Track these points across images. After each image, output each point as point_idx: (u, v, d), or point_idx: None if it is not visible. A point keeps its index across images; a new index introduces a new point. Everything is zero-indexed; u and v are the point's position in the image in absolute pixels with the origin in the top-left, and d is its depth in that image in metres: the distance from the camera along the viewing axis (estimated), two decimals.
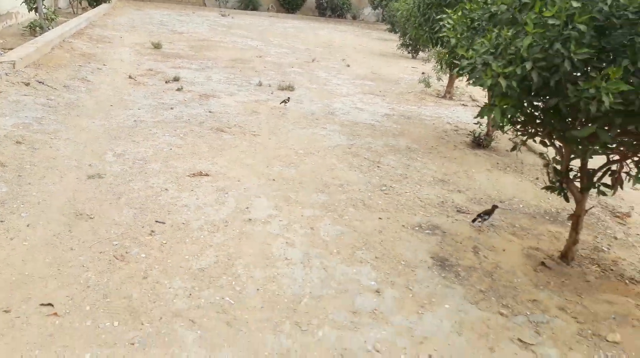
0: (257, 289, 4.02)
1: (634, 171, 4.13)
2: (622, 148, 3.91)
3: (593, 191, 4.60)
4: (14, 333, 3.23)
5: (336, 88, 11.90)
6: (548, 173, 4.88)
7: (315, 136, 8.15)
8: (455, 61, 5.49)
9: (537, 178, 7.31)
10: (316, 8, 30.54)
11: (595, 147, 3.89)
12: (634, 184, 3.91)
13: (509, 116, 3.92)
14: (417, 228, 5.38)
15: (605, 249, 5.47)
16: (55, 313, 3.49)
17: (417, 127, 9.42)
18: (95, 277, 3.92)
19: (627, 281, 4.81)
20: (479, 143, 8.50)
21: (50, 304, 3.58)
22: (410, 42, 17.23)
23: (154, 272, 4.08)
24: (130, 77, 10.62)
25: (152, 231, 4.72)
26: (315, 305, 3.89)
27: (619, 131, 3.74)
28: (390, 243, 4.99)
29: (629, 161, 4.22)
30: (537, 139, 4.47)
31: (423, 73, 13.38)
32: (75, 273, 3.93)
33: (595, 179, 4.39)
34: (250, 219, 5.15)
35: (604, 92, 3.34)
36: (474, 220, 5.42)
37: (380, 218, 5.51)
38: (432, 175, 7.05)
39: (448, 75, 11.57)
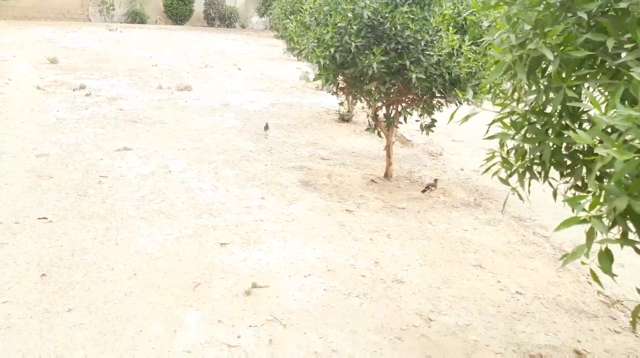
0: (182, 202, 6.53)
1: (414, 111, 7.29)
2: (393, 96, 7.03)
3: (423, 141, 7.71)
4: (24, 234, 5.45)
5: (230, 87, 14.53)
6: (368, 121, 7.95)
7: (214, 121, 10.72)
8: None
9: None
10: (204, 18, 32.93)
11: (380, 96, 6.96)
12: (403, 117, 7.03)
13: (329, 81, 6.87)
14: (291, 168, 8.19)
15: (416, 172, 8.69)
16: (50, 221, 5.75)
17: (297, 111, 12.36)
18: (69, 205, 6.19)
19: (423, 184, 8.00)
20: (343, 118, 11.62)
21: (45, 217, 5.82)
22: (296, 47, 20.34)
23: (109, 200, 6.43)
24: (38, 88, 12.39)
25: (100, 181, 7.02)
26: (221, 206, 6.50)
27: (389, 85, 6.83)
28: (272, 176, 7.74)
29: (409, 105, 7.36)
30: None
31: (305, 71, 16.41)
32: (54, 204, 6.17)
33: (391, 118, 7.50)
34: (170, 171, 7.62)
35: (374, 62, 6.37)
36: (423, 191, 7.26)
37: (265, 165, 8.25)
38: (306, 141, 9.95)
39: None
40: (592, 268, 2.68)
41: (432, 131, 7.42)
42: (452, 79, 6.35)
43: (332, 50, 6.48)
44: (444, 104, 7.21)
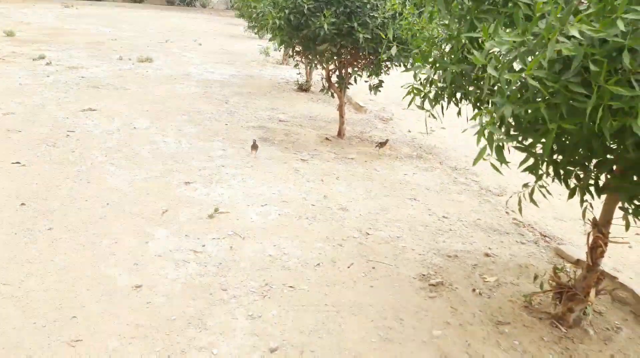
0: (148, 152, 7.16)
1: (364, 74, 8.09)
2: (344, 58, 7.82)
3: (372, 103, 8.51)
4: (1, 175, 5.99)
5: (190, 60, 14.99)
6: (322, 83, 8.72)
7: (176, 88, 11.26)
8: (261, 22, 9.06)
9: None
10: None
11: (332, 57, 7.73)
12: (354, 79, 7.84)
13: (285, 42, 7.59)
14: (251, 127, 8.89)
15: (367, 132, 9.54)
16: (24, 165, 6.29)
17: (257, 81, 13.01)
18: (41, 153, 6.71)
19: (373, 143, 8.86)
20: (302, 88, 12.36)
21: (18, 162, 6.35)
22: (256, 25, 20.82)
23: (78, 149, 6.99)
24: None
25: (68, 135, 7.55)
26: (185, 155, 7.15)
27: (340, 46, 7.60)
28: (233, 133, 8.43)
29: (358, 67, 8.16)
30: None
31: (266, 46, 16.98)
32: (26, 152, 6.68)
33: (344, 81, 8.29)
34: (135, 128, 8.19)
35: (325, 23, 7.13)
36: (376, 146, 7.95)
37: (226, 124, 8.92)
38: (266, 106, 10.64)
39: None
40: (492, 161, 3.39)
41: (380, 91, 8.25)
42: (396, 41, 7.16)
43: (287, 12, 7.19)
44: (390, 66, 8.03)
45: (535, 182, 3.43)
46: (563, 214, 6.32)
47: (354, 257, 4.75)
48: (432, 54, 4.04)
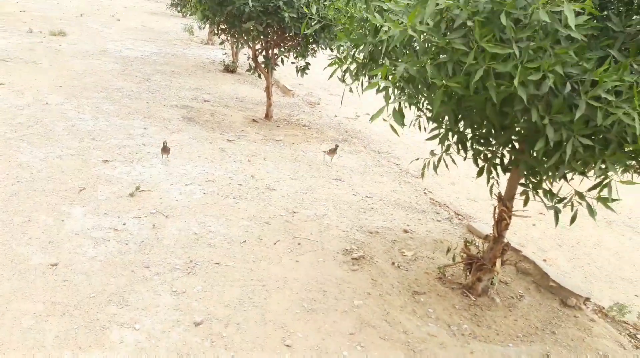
0: (62, 129, 6.79)
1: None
2: (270, 38, 7.83)
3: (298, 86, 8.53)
4: None
5: (108, 35, 14.25)
6: (249, 63, 8.67)
7: (92, 64, 10.69)
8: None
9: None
10: None
11: (258, 36, 7.71)
12: (280, 59, 7.87)
13: (207, 17, 7.46)
14: (174, 106, 8.67)
15: (295, 116, 9.62)
16: None
17: (181, 60, 12.64)
18: None
19: (300, 125, 8.95)
20: (228, 69, 12.18)
21: None
22: (180, 2, 20.10)
23: None
24: None
25: None
26: (103, 133, 6.87)
27: (266, 25, 7.59)
28: (154, 112, 8.18)
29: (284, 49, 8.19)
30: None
31: (190, 24, 16.49)
32: None
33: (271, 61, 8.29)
34: (47, 104, 7.73)
35: (249, 0, 7.07)
36: (324, 151, 7.15)
37: (147, 103, 8.63)
38: (190, 86, 10.39)
39: (209, 27, 14.95)
40: (392, 123, 3.60)
41: (307, 73, 8.34)
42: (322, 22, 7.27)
43: None
44: (316, 48, 8.14)
45: (443, 152, 3.69)
46: (476, 196, 6.80)
47: (281, 234, 4.86)
48: (354, 30, 4.17)
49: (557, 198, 3.56)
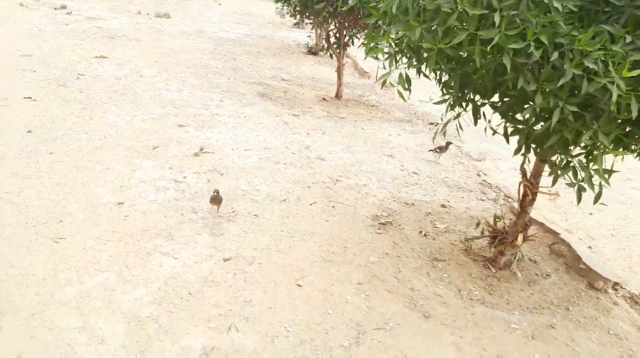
0: (150, 97, 7.76)
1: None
2: (341, 19, 8.22)
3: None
4: (12, 107, 6.66)
5: (207, 18, 15.48)
6: (322, 43, 9.14)
7: (188, 43, 11.80)
8: None
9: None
10: None
11: (329, 17, 8.14)
12: (351, 40, 8.25)
13: (285, 1, 8.03)
14: (252, 83, 9.41)
15: (366, 96, 9.97)
16: (34, 100, 6.96)
17: (268, 42, 13.45)
18: (51, 91, 7.37)
19: (368, 106, 9.30)
20: (311, 51, 12.76)
21: (30, 97, 7.01)
22: None
23: (86, 90, 7.63)
24: (21, 4, 13.24)
25: (78, 77, 8.19)
26: (184, 103, 7.74)
27: (336, 7, 7.99)
28: (233, 87, 8.97)
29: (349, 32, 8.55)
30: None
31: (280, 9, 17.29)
32: (38, 89, 7.35)
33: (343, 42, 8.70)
34: (142, 76, 8.80)
35: None
36: (431, 150, 6.80)
37: (229, 79, 9.45)
38: (272, 65, 11.12)
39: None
40: (399, 89, 3.86)
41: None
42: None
43: None
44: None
45: (455, 118, 3.89)
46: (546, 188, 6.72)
47: (318, 197, 5.30)
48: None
49: (581, 177, 3.61)
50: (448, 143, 6.79)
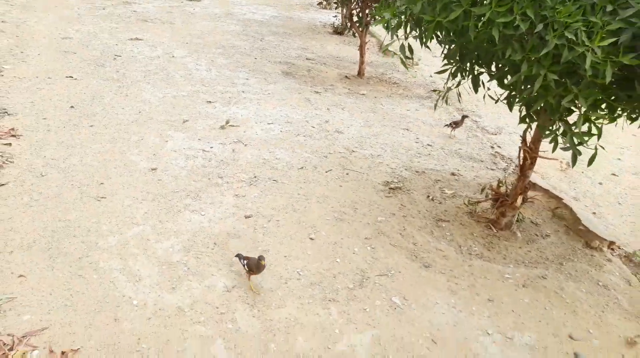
0: (181, 76, 8.30)
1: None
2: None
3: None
4: (55, 84, 7.29)
5: (236, 1, 15.92)
6: (345, 22, 9.46)
7: (217, 25, 12.30)
8: None
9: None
10: None
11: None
12: (372, 19, 8.56)
13: None
14: (277, 63, 9.84)
15: (388, 74, 10.27)
16: (76, 79, 7.58)
17: (295, 23, 13.82)
18: (90, 71, 7.99)
19: (390, 83, 9.61)
20: (337, 31, 13.08)
21: (71, 76, 7.64)
22: None
23: (122, 70, 8.22)
24: None
25: (115, 58, 8.80)
26: (212, 81, 8.25)
27: None
28: (259, 66, 9.42)
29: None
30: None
31: None
32: (78, 69, 7.98)
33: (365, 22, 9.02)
34: (173, 56, 9.35)
35: None
36: (446, 125, 7.05)
37: (255, 59, 9.91)
38: (298, 45, 11.51)
39: None
40: (401, 58, 4.24)
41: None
42: None
43: None
44: None
45: (456, 86, 4.23)
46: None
47: (334, 166, 5.73)
48: None
49: (577, 140, 3.90)
50: (464, 117, 7.08)
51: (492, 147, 6.94)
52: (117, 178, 5.00)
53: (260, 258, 3.52)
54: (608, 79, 2.94)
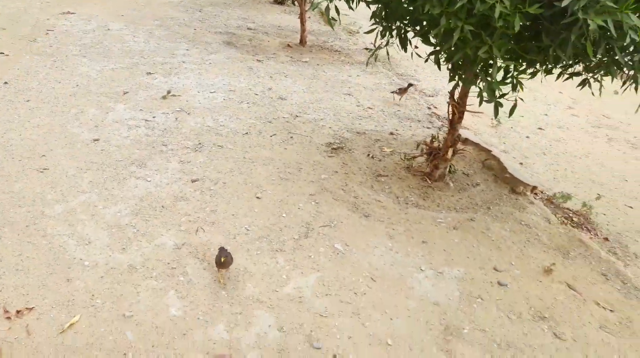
0: (118, 49, 8.17)
1: None
2: None
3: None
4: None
5: None
6: None
7: None
8: None
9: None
10: None
11: None
12: None
13: None
14: (218, 33, 9.81)
15: (330, 42, 10.43)
16: (7, 55, 7.34)
17: None
18: (22, 46, 7.73)
19: (332, 51, 9.79)
20: (278, 1, 13.07)
21: (2, 52, 7.39)
22: None
23: (56, 45, 8.00)
24: None
25: (47, 33, 8.53)
26: (151, 52, 8.17)
27: None
28: (199, 37, 9.37)
29: None
30: None
31: None
32: (9, 46, 7.70)
33: None
34: (109, 29, 9.15)
35: None
36: (393, 91, 7.28)
37: (195, 29, 9.83)
38: (238, 15, 11.46)
39: None
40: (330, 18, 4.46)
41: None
42: None
43: None
44: None
45: (385, 45, 4.49)
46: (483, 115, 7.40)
47: (278, 130, 5.92)
48: None
49: (498, 94, 4.23)
50: (409, 84, 7.36)
51: (429, 108, 7.31)
52: (59, 149, 5.00)
53: (221, 254, 3.37)
54: (516, 28, 3.26)
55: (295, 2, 9.52)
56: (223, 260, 3.34)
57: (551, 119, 7.63)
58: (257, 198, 4.52)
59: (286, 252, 3.86)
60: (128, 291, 3.34)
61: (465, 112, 4.95)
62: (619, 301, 3.75)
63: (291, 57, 8.90)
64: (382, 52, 9.23)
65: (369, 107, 6.96)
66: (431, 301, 3.53)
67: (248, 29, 10.46)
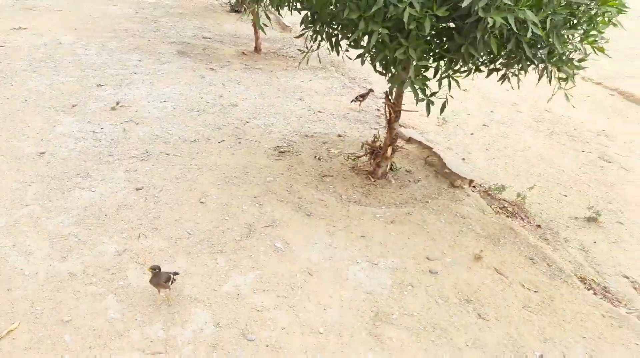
0: (69, 62, 8.21)
1: None
2: None
3: None
4: None
5: None
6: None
7: (108, 10, 12.05)
8: None
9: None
10: None
11: None
12: None
13: None
14: (172, 43, 9.92)
15: (285, 49, 10.64)
16: None
17: (191, 3, 13.80)
18: None
19: (286, 57, 9.99)
20: (234, 9, 13.23)
21: None
22: None
23: (5, 60, 7.99)
24: None
25: None
26: (103, 64, 8.24)
27: None
28: (153, 47, 9.47)
29: None
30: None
31: None
32: None
33: None
34: (61, 43, 9.17)
35: None
36: (352, 101, 7.28)
37: (149, 40, 9.92)
38: (194, 25, 11.58)
39: None
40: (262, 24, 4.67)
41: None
42: None
43: None
44: None
45: (317, 49, 4.70)
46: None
47: (227, 136, 6.07)
48: None
49: (430, 92, 4.44)
50: (370, 90, 7.55)
51: (378, 109, 7.56)
52: (2, 165, 5.06)
53: (154, 272, 3.31)
54: (427, 30, 3.50)
55: (247, 10, 9.70)
56: (164, 281, 3.34)
57: (496, 116, 7.97)
58: (201, 203, 4.66)
59: (227, 253, 4.01)
60: (68, 297, 3.45)
61: (416, 113, 5.19)
62: (543, 283, 4.02)
63: (245, 64, 9.07)
64: (337, 57, 9.47)
65: (319, 111, 7.17)
66: (364, 291, 3.72)
67: (203, 38, 10.59)
